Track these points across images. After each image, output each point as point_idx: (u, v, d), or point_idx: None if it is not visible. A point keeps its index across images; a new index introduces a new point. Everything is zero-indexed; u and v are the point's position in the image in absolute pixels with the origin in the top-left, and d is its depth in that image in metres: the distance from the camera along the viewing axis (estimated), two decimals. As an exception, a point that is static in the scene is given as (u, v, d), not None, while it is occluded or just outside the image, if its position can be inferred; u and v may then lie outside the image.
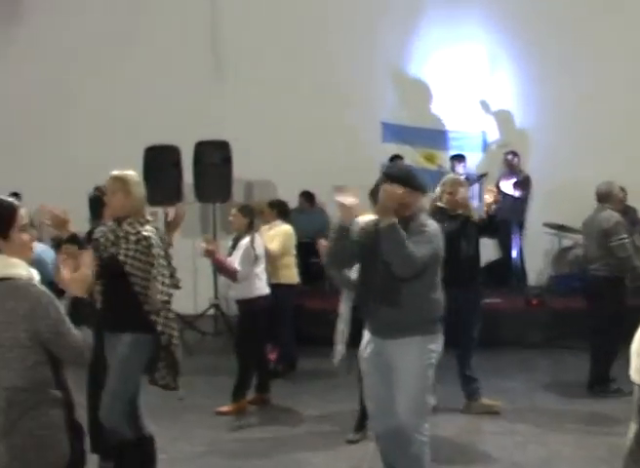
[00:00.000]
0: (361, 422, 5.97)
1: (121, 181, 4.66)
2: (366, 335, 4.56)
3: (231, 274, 6.78)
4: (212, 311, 10.26)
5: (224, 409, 6.80)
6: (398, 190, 4.23)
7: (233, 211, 7.06)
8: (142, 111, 11.35)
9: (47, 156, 11.72)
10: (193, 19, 11.65)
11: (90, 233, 5.16)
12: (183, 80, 11.43)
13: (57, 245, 4.46)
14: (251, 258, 6.77)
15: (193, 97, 11.32)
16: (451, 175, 7.20)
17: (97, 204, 5.41)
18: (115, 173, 4.73)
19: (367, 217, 4.59)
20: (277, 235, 7.73)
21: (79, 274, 3.12)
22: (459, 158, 10.71)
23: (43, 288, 2.99)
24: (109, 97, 11.65)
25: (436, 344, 4.43)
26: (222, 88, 11.48)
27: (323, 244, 5.43)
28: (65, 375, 3.09)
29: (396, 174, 4.42)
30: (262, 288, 6.93)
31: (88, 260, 3.18)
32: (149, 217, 4.70)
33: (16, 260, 2.99)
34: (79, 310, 3.08)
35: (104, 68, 11.67)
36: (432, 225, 4.40)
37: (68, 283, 3.11)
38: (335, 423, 6.46)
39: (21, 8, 12.30)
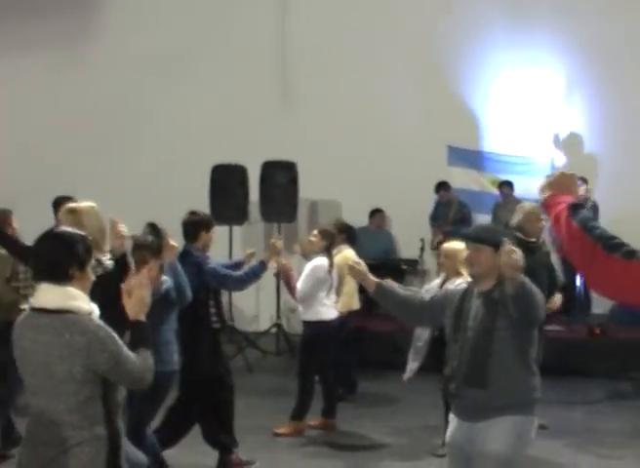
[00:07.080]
0: None
1: None
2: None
3: (292, 291, 6.87)
4: (274, 330, 10.35)
5: (282, 430, 6.82)
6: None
7: (314, 232, 7.01)
8: (210, 130, 11.50)
9: (116, 172, 11.99)
10: (261, 40, 11.72)
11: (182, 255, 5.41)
12: (251, 99, 11.47)
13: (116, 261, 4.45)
14: (313, 280, 6.73)
15: (260, 117, 11.40)
16: (532, 204, 6.50)
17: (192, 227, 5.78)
18: None
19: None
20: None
21: (135, 298, 3.10)
22: (508, 184, 10.51)
23: (100, 322, 2.99)
24: (177, 116, 11.78)
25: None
26: (289, 108, 11.56)
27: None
28: (117, 413, 3.05)
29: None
30: (326, 312, 6.85)
31: (142, 281, 3.16)
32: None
33: (77, 292, 3.00)
34: (137, 333, 3.08)
35: (173, 87, 11.79)
36: None
37: (127, 307, 3.09)
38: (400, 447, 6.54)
39: (92, 27, 12.57)
